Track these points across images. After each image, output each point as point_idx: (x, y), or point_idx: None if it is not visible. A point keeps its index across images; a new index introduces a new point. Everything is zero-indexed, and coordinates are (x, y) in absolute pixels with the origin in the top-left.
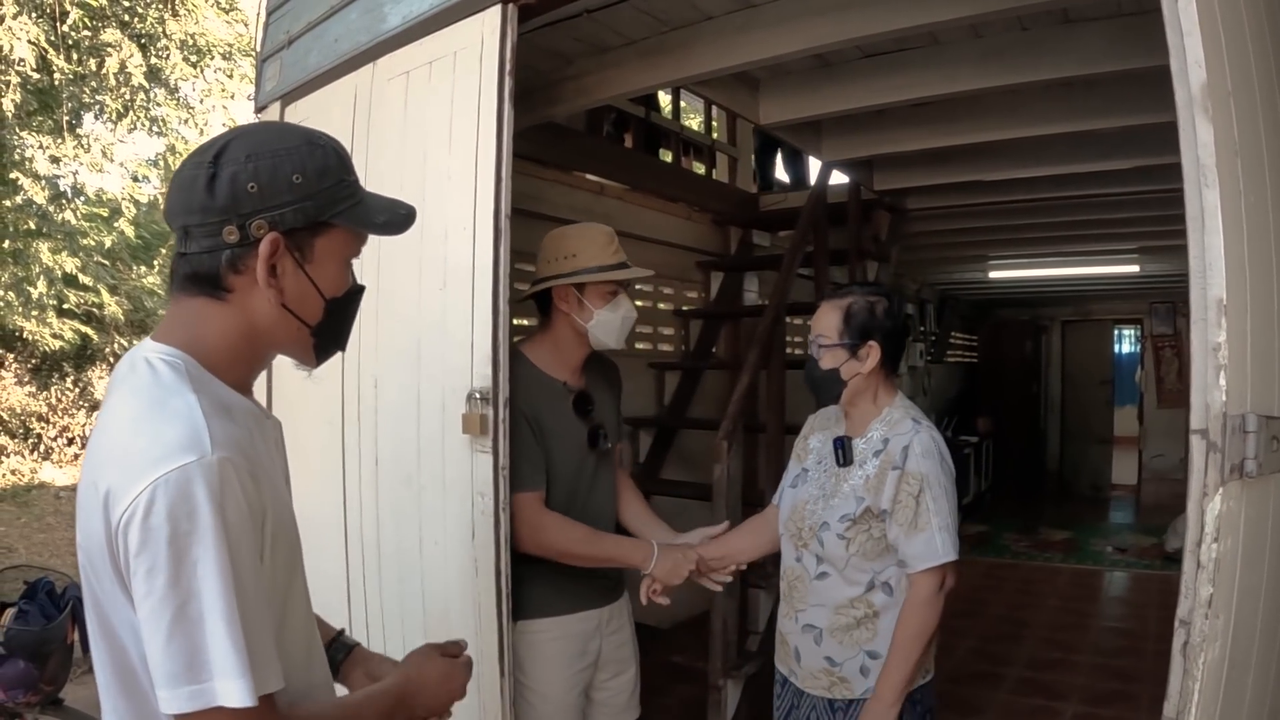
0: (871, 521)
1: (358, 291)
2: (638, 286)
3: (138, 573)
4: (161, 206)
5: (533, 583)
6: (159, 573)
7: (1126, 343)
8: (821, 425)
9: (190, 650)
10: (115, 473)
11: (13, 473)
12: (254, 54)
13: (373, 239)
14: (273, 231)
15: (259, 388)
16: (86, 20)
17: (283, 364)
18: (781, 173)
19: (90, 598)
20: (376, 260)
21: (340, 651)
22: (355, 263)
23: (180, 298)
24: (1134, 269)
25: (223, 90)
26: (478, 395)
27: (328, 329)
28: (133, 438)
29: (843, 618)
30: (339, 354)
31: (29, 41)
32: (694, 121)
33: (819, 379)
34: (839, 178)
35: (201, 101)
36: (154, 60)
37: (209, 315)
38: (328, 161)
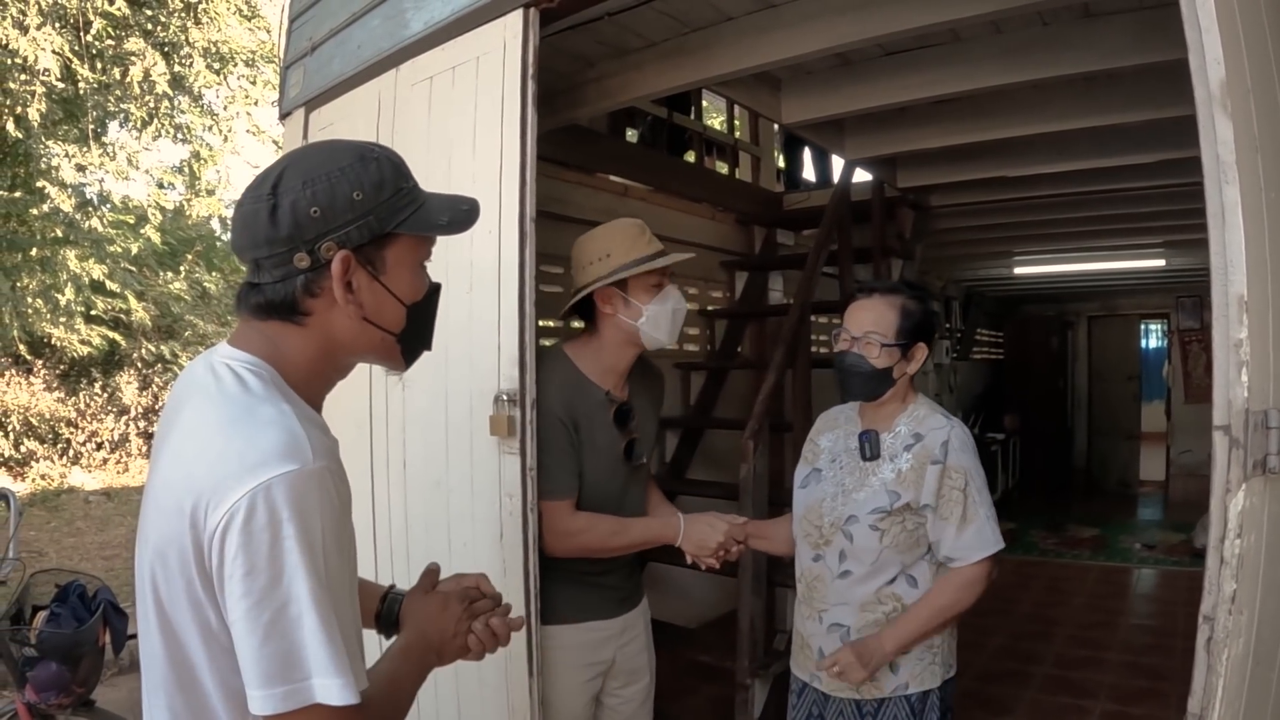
0: (907, 515)
1: (435, 291)
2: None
3: (234, 576)
4: (188, 213)
5: (547, 590)
6: (259, 575)
7: (1153, 338)
8: (830, 425)
9: (288, 650)
10: (208, 478)
11: (42, 477)
12: (277, 61)
13: None
14: (342, 250)
15: None
16: (110, 30)
17: None
18: (809, 171)
19: (151, 599)
20: None
21: (396, 603)
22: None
23: (259, 322)
24: (1160, 263)
25: (246, 97)
26: (505, 397)
27: (412, 332)
28: (227, 443)
29: (870, 614)
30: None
31: (53, 52)
32: (716, 121)
33: (867, 375)
34: (862, 176)
35: (225, 108)
36: (177, 68)
37: (289, 337)
38: (383, 173)
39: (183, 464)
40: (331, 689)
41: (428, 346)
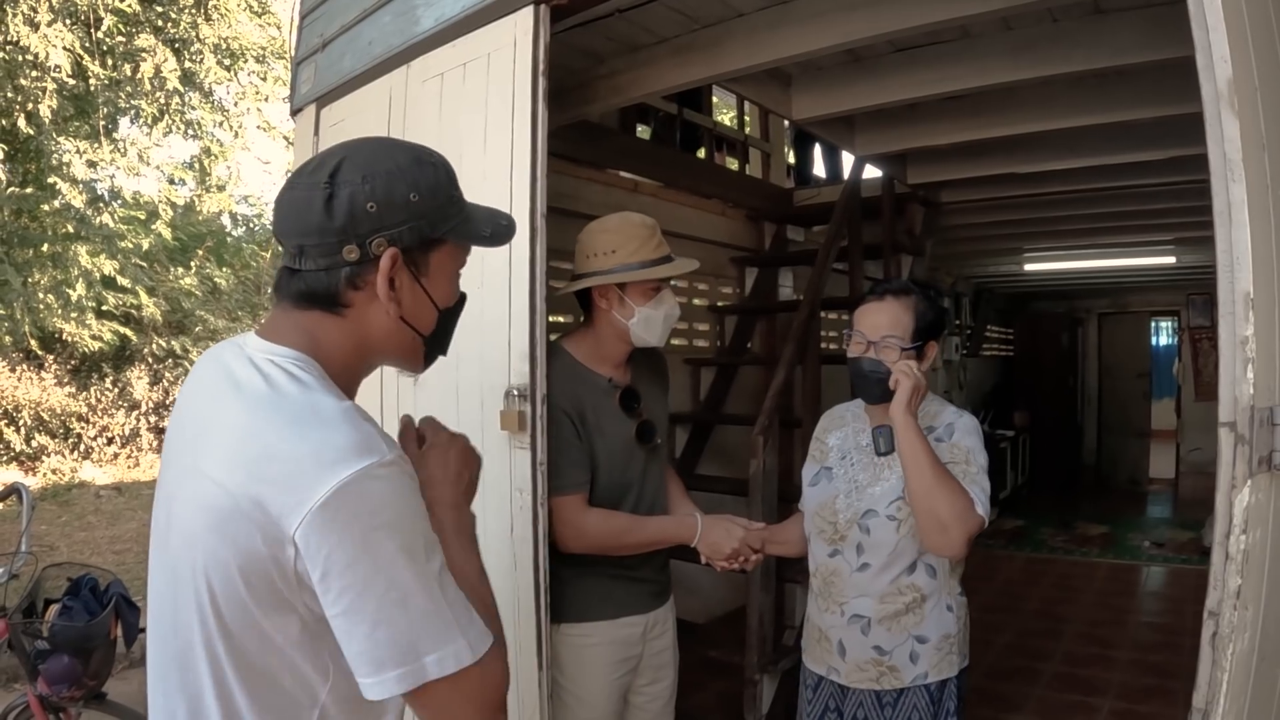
0: None
1: (463, 300)
2: (674, 282)
3: (330, 571)
4: (199, 208)
5: (579, 586)
6: (358, 566)
7: (1164, 335)
8: (837, 423)
9: (397, 636)
10: (282, 480)
11: (54, 472)
12: (287, 57)
13: None
14: (392, 248)
15: None
16: (120, 26)
17: None
18: (820, 167)
19: (204, 608)
20: None
21: None
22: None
23: (290, 309)
24: (1170, 260)
25: (256, 93)
26: (515, 392)
27: (438, 336)
28: (298, 443)
29: (890, 605)
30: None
31: (64, 48)
32: (726, 117)
33: (886, 378)
34: (872, 172)
35: (236, 104)
36: (188, 64)
37: (326, 327)
38: (439, 179)
39: (243, 466)
40: (447, 658)
41: (444, 352)
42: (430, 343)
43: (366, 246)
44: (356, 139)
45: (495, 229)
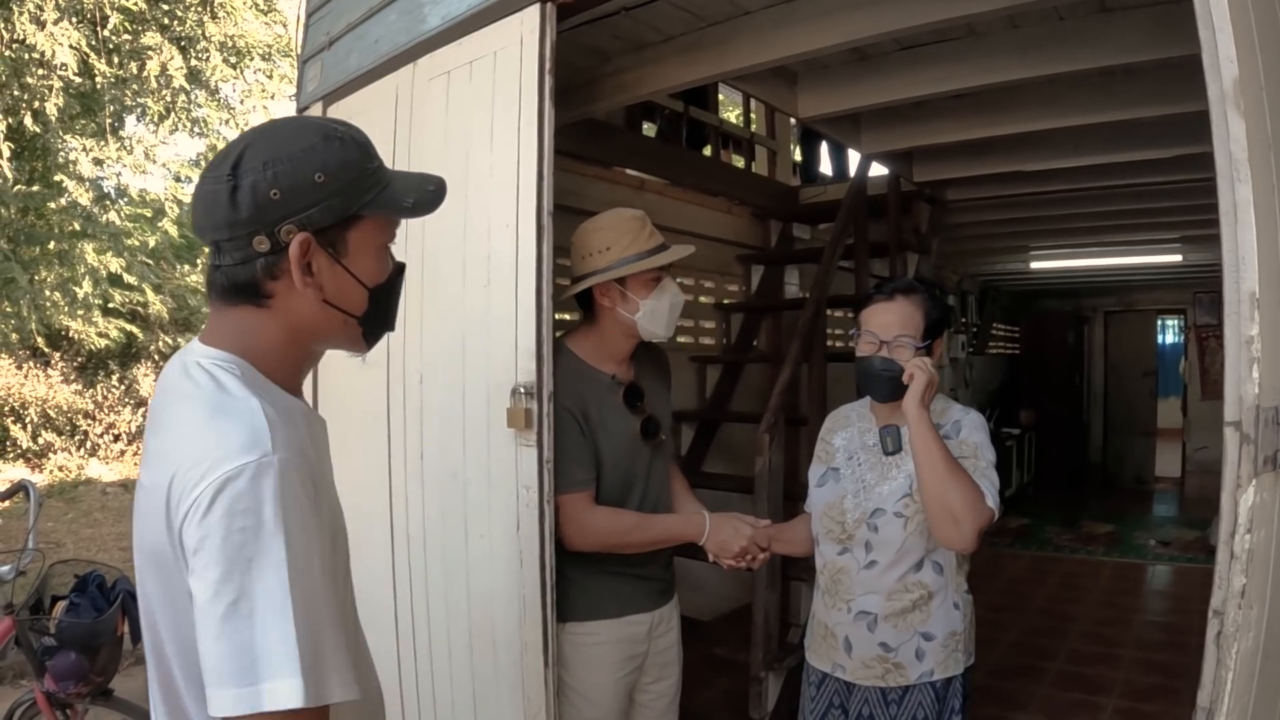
0: None
1: (399, 273)
2: (678, 280)
3: (195, 569)
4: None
5: (585, 585)
6: (213, 568)
7: (1170, 333)
8: (843, 424)
9: (239, 649)
10: (179, 475)
11: (60, 469)
12: (293, 55)
13: (415, 229)
14: (301, 233)
15: (305, 387)
16: (127, 24)
17: (327, 360)
18: (826, 165)
19: (144, 602)
20: (420, 257)
21: None
22: (393, 245)
23: (221, 307)
24: (1177, 258)
25: (263, 91)
26: (522, 390)
27: (374, 315)
28: (198, 441)
29: (897, 602)
30: (385, 346)
31: (71, 46)
32: (732, 114)
33: (898, 378)
34: (878, 170)
35: (242, 102)
36: (194, 62)
37: (255, 322)
38: (347, 154)
39: (164, 464)
40: (279, 692)
41: (390, 328)
42: (366, 321)
43: (276, 235)
44: (265, 123)
45: (420, 196)
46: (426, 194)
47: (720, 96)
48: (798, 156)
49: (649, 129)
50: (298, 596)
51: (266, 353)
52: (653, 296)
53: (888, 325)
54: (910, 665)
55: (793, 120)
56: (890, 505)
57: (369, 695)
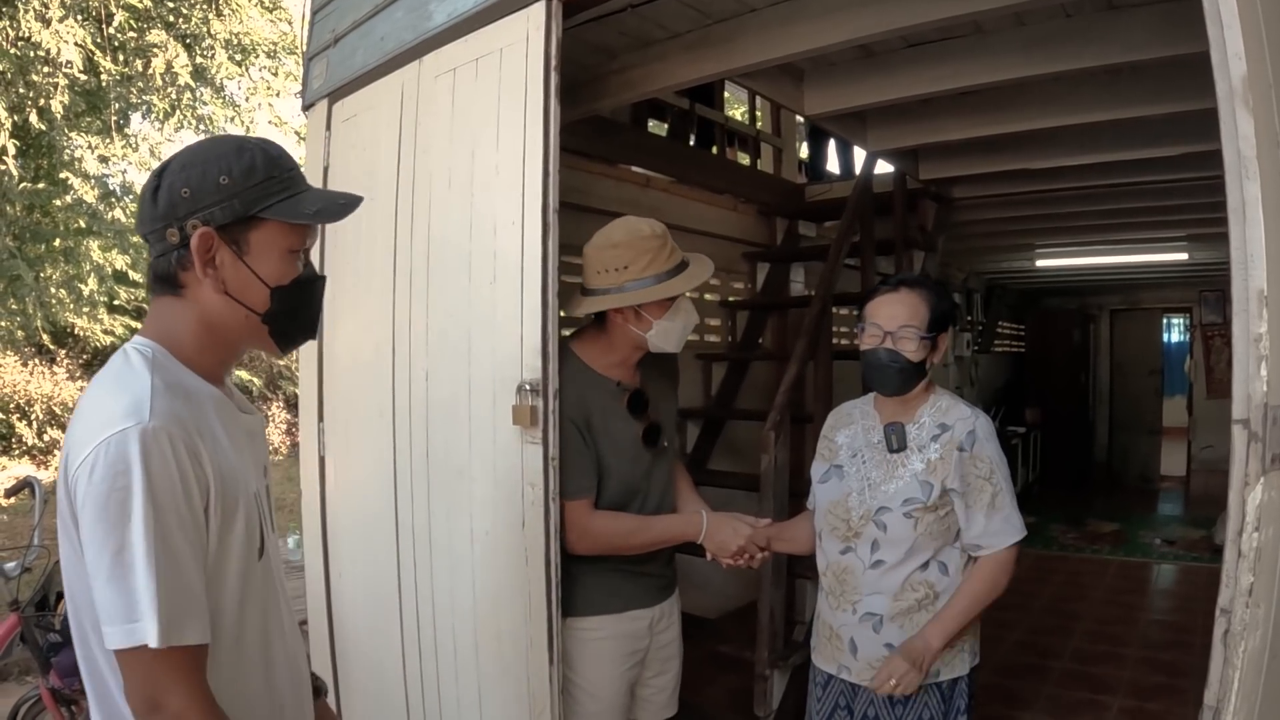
0: (940, 503)
1: (310, 280)
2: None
3: (83, 524)
4: None
5: (586, 581)
6: (99, 523)
7: (1176, 332)
8: (845, 421)
9: (120, 593)
10: (74, 439)
11: None
12: (299, 52)
13: (421, 227)
14: (204, 227)
15: (310, 384)
16: (132, 22)
17: (332, 360)
18: (834, 163)
19: (63, 562)
20: (426, 255)
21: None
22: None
23: (154, 298)
24: (1183, 257)
25: (268, 88)
26: (527, 387)
27: (282, 316)
28: (91, 412)
29: (903, 602)
30: (390, 344)
31: (76, 44)
32: (737, 112)
33: (903, 369)
34: (884, 167)
35: (247, 99)
36: (199, 60)
37: (173, 310)
38: (254, 161)
39: (69, 438)
40: (147, 631)
41: (308, 334)
42: (272, 321)
43: (184, 229)
44: (200, 139)
45: (325, 207)
46: (335, 206)
47: (725, 94)
48: (805, 154)
49: (654, 126)
50: (160, 548)
51: (184, 340)
52: (666, 317)
53: (893, 316)
54: None
55: (799, 118)
56: (897, 505)
57: (283, 682)
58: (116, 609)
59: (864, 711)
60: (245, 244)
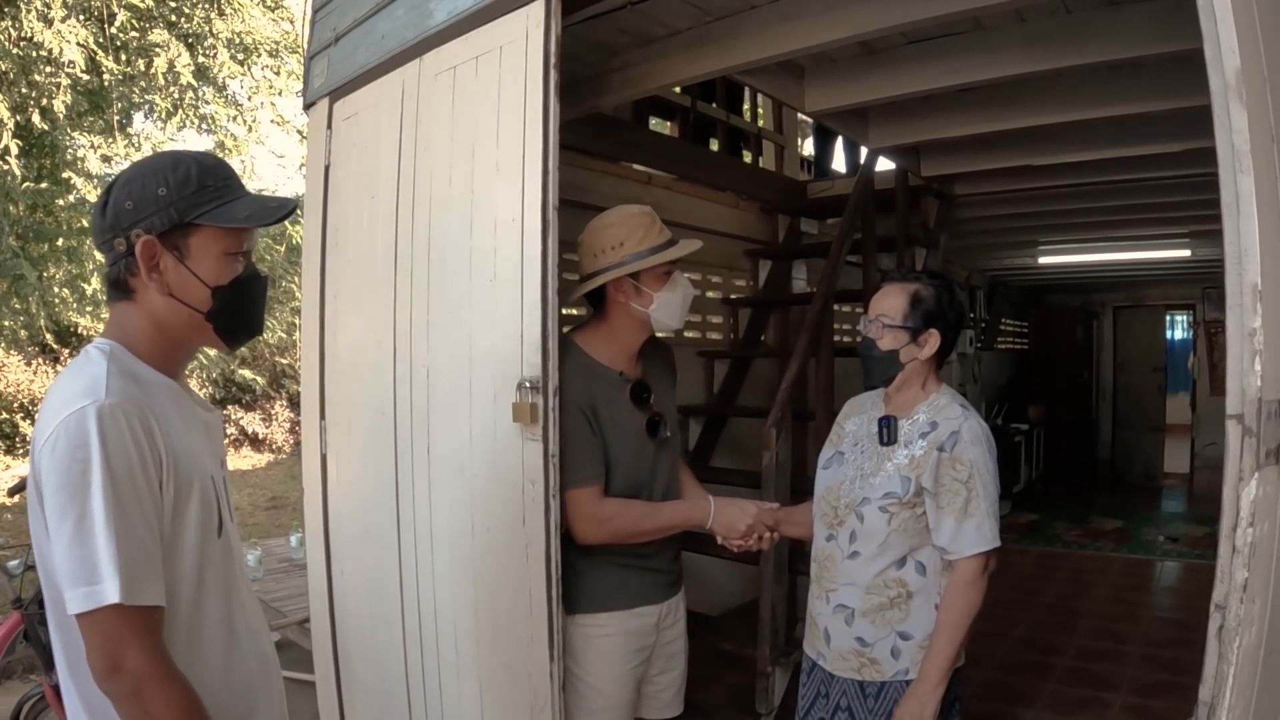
0: (916, 500)
1: (250, 280)
2: (688, 275)
3: (46, 496)
4: None
5: (595, 577)
6: (61, 492)
7: (1179, 329)
8: (857, 410)
9: (83, 557)
10: (39, 422)
11: None
12: (300, 51)
13: (421, 225)
14: (146, 236)
15: (312, 382)
16: (134, 21)
17: (334, 359)
18: (840, 161)
19: (34, 540)
20: (427, 253)
21: None
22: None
23: (110, 304)
24: (1185, 253)
25: (270, 87)
26: (528, 384)
27: (224, 314)
28: (54, 396)
29: (875, 597)
30: (391, 341)
31: (78, 44)
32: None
33: (877, 359)
34: (886, 164)
35: (250, 99)
36: (201, 59)
37: (126, 313)
38: (189, 173)
39: (36, 427)
40: (109, 590)
41: (252, 331)
42: (216, 318)
43: (129, 238)
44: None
45: (256, 211)
46: (266, 210)
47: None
48: (809, 151)
49: (658, 124)
50: (117, 515)
51: (138, 339)
52: (665, 289)
53: (875, 307)
54: (885, 662)
55: (801, 116)
56: (876, 497)
57: (243, 656)
58: (78, 573)
59: (837, 701)
60: (185, 249)
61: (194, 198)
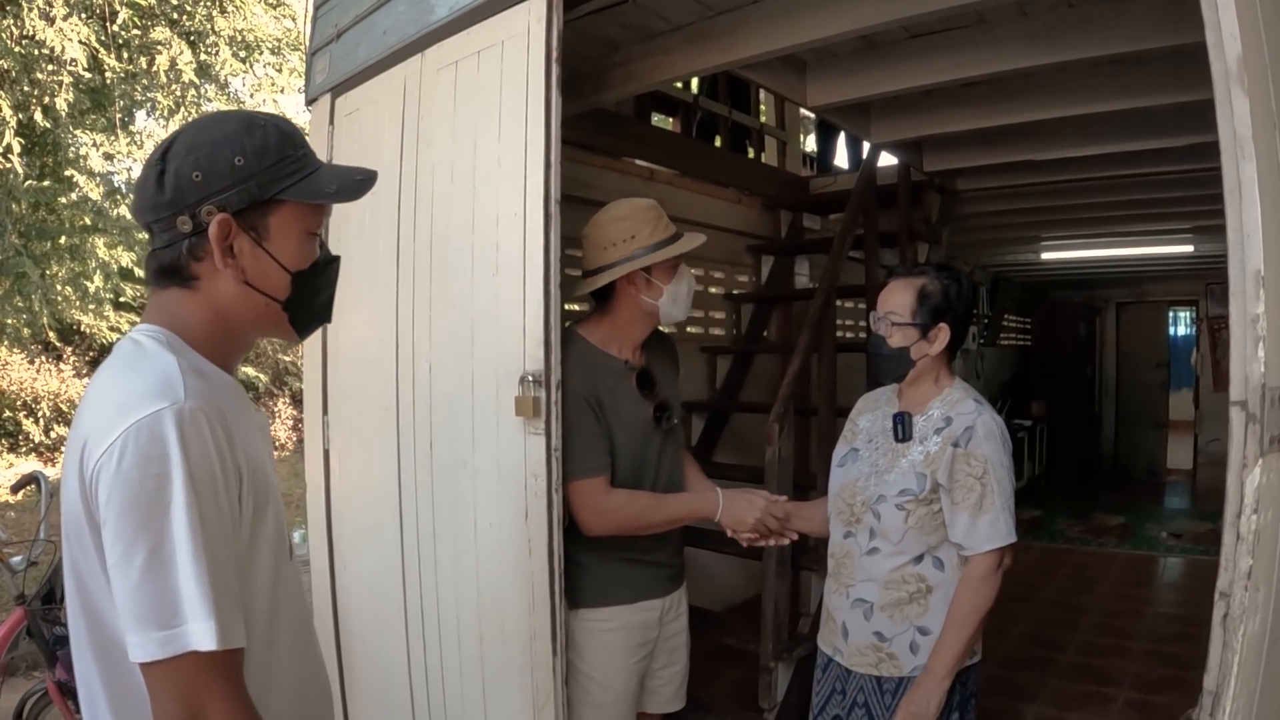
0: (933, 497)
1: (328, 263)
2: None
3: (109, 520)
4: None
5: (598, 572)
6: (130, 515)
7: (1182, 325)
8: (871, 406)
9: (161, 593)
10: (91, 429)
11: None
12: (302, 48)
13: (424, 219)
14: (221, 214)
15: (314, 378)
16: (136, 19)
17: (335, 352)
18: (843, 157)
19: (71, 568)
20: (429, 247)
21: None
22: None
23: (157, 290)
24: (1188, 249)
25: (272, 84)
26: (530, 378)
27: (300, 301)
28: (110, 394)
29: (894, 592)
30: (394, 337)
31: (80, 42)
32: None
33: (887, 356)
34: (888, 160)
35: (252, 96)
36: (203, 56)
37: (182, 303)
38: (267, 140)
39: (79, 428)
40: (204, 634)
41: (324, 319)
42: (293, 307)
43: (198, 216)
44: (200, 116)
45: (344, 185)
46: (352, 183)
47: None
48: (811, 146)
49: (660, 120)
50: (207, 542)
51: (195, 331)
52: (674, 282)
53: (884, 304)
54: (904, 657)
55: (803, 111)
56: (892, 494)
57: (313, 690)
58: (150, 614)
59: (854, 697)
60: (264, 228)
61: (274, 169)
